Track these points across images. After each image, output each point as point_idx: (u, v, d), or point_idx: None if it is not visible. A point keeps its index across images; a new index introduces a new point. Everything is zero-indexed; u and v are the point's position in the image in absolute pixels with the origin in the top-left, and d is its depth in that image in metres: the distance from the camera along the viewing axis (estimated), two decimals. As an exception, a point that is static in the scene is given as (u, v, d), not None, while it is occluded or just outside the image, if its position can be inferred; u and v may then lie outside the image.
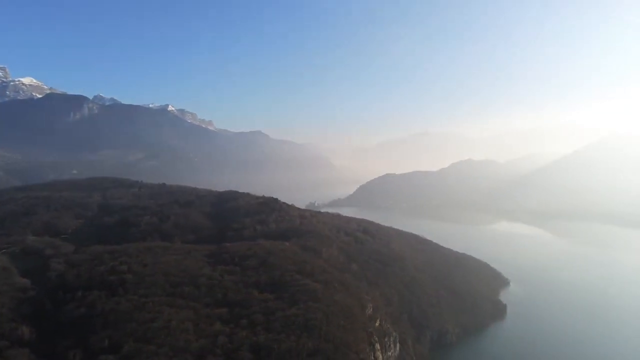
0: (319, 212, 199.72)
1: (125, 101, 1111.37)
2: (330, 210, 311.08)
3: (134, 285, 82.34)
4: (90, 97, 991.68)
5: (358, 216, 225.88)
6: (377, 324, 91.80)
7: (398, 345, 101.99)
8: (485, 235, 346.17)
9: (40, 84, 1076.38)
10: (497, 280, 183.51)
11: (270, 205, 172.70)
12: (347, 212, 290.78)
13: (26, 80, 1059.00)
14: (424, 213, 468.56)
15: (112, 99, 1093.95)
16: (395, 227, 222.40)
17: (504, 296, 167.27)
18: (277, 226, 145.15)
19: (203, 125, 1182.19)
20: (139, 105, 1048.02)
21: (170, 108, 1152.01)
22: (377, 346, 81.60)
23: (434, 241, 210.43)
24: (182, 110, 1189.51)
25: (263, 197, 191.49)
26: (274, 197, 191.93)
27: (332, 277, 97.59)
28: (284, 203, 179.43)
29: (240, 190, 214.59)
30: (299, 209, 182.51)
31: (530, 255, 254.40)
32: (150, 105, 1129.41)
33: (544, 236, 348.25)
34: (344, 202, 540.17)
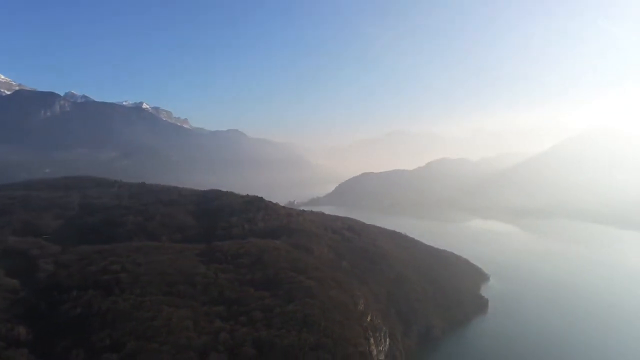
0: (304, 211, 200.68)
1: (98, 99, 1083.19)
2: (310, 208, 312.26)
3: (129, 284, 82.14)
4: (62, 94, 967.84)
5: (338, 214, 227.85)
6: (368, 319, 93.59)
7: (388, 339, 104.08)
8: (462, 232, 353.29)
9: (8, 80, 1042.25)
10: (478, 276, 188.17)
11: (256, 204, 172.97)
12: (326, 210, 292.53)
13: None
14: (402, 211, 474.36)
15: (84, 97, 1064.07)
16: (376, 225, 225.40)
17: (485, 291, 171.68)
18: (266, 225, 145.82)
19: (178, 124, 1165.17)
20: (112, 103, 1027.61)
21: (144, 106, 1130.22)
22: (372, 340, 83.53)
23: (416, 238, 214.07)
24: (156, 108, 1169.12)
25: (248, 195, 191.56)
26: (258, 195, 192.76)
27: (325, 274, 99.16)
28: (269, 202, 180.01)
29: (220, 190, 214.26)
30: (284, 207, 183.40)
31: (507, 252, 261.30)
32: (124, 103, 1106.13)
33: (517, 233, 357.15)
34: (323, 200, 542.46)
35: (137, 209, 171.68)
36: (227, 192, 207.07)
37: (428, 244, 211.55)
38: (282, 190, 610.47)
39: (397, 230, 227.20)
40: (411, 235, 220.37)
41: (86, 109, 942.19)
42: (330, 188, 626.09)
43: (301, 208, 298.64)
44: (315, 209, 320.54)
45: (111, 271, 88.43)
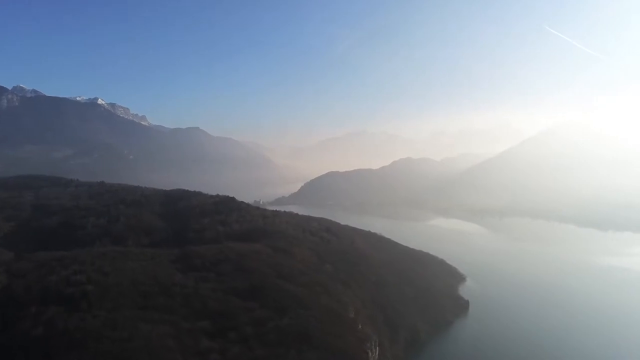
0: (277, 211, 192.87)
1: (49, 93, 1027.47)
2: (276, 208, 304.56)
3: (98, 298, 72.40)
4: (9, 88, 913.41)
5: (305, 214, 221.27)
6: (359, 327, 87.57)
7: (377, 348, 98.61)
8: (428, 231, 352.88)
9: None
10: (454, 276, 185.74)
11: (228, 205, 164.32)
12: (293, 210, 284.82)
13: None
14: (367, 210, 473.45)
15: (34, 91, 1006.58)
16: (348, 225, 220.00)
17: (463, 292, 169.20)
18: (241, 227, 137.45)
19: (136, 121, 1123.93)
20: (65, 98, 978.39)
21: (100, 101, 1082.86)
22: (370, 353, 77.57)
23: (391, 239, 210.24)
24: (113, 104, 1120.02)
25: (218, 195, 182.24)
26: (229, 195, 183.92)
27: (313, 280, 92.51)
28: (241, 202, 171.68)
29: (187, 189, 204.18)
30: (258, 208, 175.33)
31: (476, 251, 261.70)
32: (78, 99, 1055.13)
33: (481, 232, 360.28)
34: (288, 200, 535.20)
35: (98, 211, 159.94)
36: (194, 191, 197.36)
37: (401, 244, 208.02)
38: (245, 189, 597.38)
39: (366, 229, 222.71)
40: (384, 236, 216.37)
41: (37, 104, 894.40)
42: (294, 187, 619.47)
43: (267, 208, 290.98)
44: (282, 208, 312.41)
45: (75, 282, 78.24)
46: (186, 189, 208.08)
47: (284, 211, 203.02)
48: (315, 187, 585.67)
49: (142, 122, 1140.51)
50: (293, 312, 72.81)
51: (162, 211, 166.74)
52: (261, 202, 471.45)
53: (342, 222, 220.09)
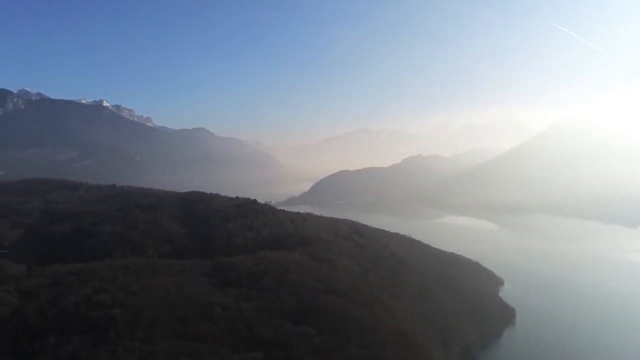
0: (301, 213, 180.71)
1: (54, 96, 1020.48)
2: (288, 208, 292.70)
3: (128, 324, 60.68)
4: (14, 92, 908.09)
5: (320, 214, 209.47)
6: (429, 352, 75.88)
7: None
8: (447, 230, 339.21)
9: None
10: (492, 280, 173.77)
11: (251, 207, 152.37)
12: (307, 210, 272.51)
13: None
14: (379, 209, 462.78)
15: (38, 94, 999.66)
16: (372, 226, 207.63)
17: (505, 297, 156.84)
18: (270, 232, 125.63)
19: (141, 122, 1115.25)
20: (69, 100, 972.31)
21: (105, 104, 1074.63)
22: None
23: (419, 240, 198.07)
24: (118, 106, 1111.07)
25: (238, 198, 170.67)
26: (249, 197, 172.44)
27: (368, 296, 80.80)
28: (265, 204, 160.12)
29: (203, 192, 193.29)
30: (283, 210, 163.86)
31: (503, 251, 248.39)
32: (83, 101, 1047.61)
33: (502, 230, 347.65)
34: (299, 200, 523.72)
35: (112, 216, 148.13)
36: (211, 194, 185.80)
37: (431, 246, 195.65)
38: (252, 189, 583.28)
39: (389, 230, 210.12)
40: (414, 238, 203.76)
41: (41, 106, 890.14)
42: (298, 186, 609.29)
43: (279, 208, 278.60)
44: (294, 208, 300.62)
45: (98, 304, 66.66)
46: (196, 190, 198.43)
47: (306, 213, 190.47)
48: (325, 187, 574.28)
49: (148, 124, 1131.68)
50: (359, 338, 61.11)
51: (180, 215, 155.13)
52: (272, 203, 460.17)
53: (363, 223, 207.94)
